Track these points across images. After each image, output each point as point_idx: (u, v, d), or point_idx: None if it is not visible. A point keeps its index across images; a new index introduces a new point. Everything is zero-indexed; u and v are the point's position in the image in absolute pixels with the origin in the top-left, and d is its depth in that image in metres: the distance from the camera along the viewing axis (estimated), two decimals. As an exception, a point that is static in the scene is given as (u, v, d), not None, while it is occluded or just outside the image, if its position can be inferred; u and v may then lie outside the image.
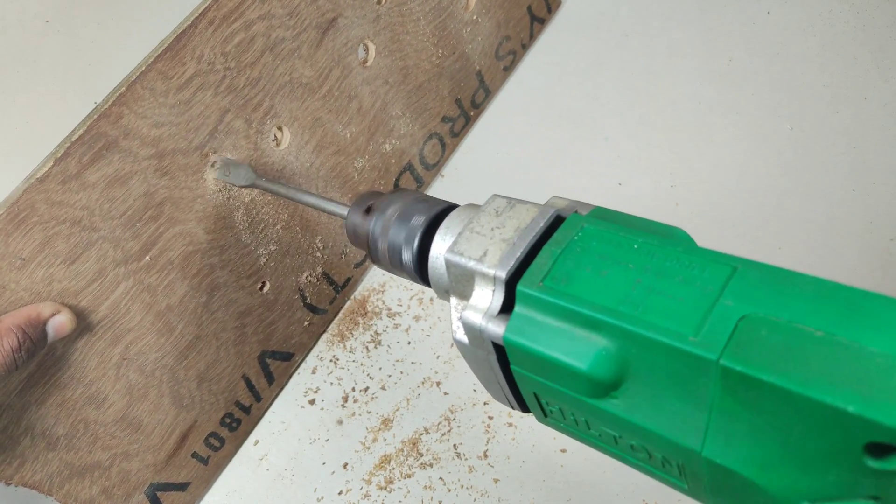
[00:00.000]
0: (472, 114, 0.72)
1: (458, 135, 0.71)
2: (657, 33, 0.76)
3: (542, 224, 0.30)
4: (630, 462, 0.28)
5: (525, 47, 0.76)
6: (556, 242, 0.29)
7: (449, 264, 0.31)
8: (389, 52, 0.60)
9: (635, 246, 0.27)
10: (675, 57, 0.74)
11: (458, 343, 0.31)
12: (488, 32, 0.69)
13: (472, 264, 0.30)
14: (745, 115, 0.69)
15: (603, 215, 0.30)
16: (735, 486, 0.24)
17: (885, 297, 0.22)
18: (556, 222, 0.30)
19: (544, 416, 0.31)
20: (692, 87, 0.72)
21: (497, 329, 0.29)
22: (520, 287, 0.28)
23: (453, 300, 0.32)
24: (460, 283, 0.31)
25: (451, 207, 0.35)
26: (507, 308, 0.29)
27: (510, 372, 0.30)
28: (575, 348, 0.26)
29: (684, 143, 0.68)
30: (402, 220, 0.36)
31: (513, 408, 0.33)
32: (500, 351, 0.30)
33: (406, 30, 0.60)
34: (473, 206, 0.34)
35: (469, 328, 0.30)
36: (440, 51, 0.65)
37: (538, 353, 0.27)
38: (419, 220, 0.35)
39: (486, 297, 0.29)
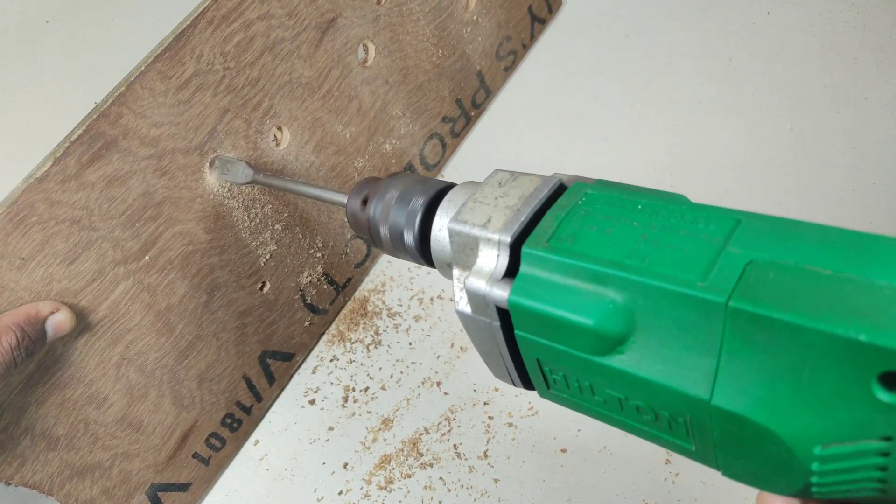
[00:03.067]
0: (472, 114, 0.72)
1: (459, 135, 0.71)
2: (657, 33, 0.76)
3: (545, 191, 0.30)
4: (635, 429, 0.28)
5: (526, 47, 0.76)
6: (560, 207, 0.29)
7: (452, 233, 0.31)
8: (389, 53, 0.60)
9: (639, 206, 0.27)
10: (675, 57, 0.74)
11: (461, 314, 0.31)
12: (489, 33, 0.69)
13: (475, 231, 0.30)
14: (745, 115, 0.69)
15: (606, 184, 0.30)
16: (746, 436, 0.23)
17: (891, 238, 0.22)
18: (560, 191, 0.30)
19: (547, 387, 0.31)
20: (692, 87, 0.72)
21: (502, 293, 0.29)
22: (525, 248, 0.28)
23: (456, 271, 0.32)
24: (464, 253, 0.31)
25: (449, 186, 0.35)
26: (511, 273, 0.29)
27: (513, 342, 0.30)
28: (581, 304, 0.26)
29: (684, 143, 0.68)
30: (403, 202, 0.36)
31: (514, 384, 0.33)
32: (504, 317, 0.30)
33: (406, 30, 0.60)
34: (474, 182, 0.34)
35: (473, 295, 0.30)
36: (440, 51, 0.65)
37: (544, 312, 0.27)
38: (419, 200, 0.35)
39: (491, 263, 0.30)
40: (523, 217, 0.29)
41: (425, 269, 0.58)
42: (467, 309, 0.31)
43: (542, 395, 0.32)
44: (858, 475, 0.22)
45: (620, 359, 0.26)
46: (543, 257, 0.27)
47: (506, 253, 0.29)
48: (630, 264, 0.25)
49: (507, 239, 0.29)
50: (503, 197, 0.31)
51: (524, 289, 0.28)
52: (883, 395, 0.20)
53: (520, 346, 0.30)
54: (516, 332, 0.29)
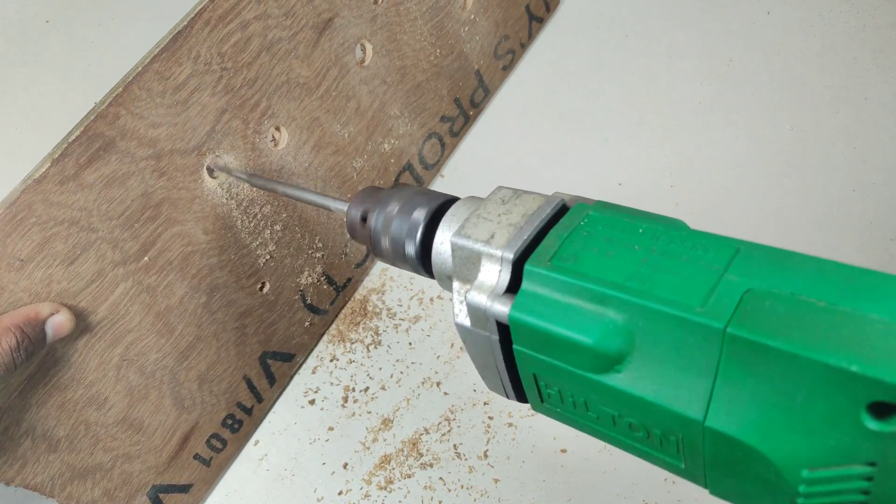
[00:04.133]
0: (471, 113, 0.72)
1: (458, 134, 0.71)
2: (657, 33, 0.76)
3: (548, 210, 0.31)
4: (626, 445, 0.29)
5: (524, 46, 0.76)
6: (562, 227, 0.30)
7: (455, 247, 0.32)
8: (387, 52, 0.60)
9: (640, 230, 0.28)
10: (675, 57, 0.74)
11: (460, 327, 0.32)
12: (486, 32, 0.69)
13: (479, 246, 0.31)
14: (745, 115, 0.69)
15: (607, 206, 0.31)
16: (736, 457, 0.24)
17: (884, 274, 0.23)
18: (562, 211, 0.31)
19: (541, 401, 0.31)
20: (692, 87, 0.71)
21: (503, 308, 0.29)
22: (528, 265, 0.29)
23: (456, 284, 0.32)
24: (465, 267, 0.31)
25: (452, 200, 0.36)
26: (511, 289, 0.30)
27: (510, 356, 0.31)
28: (581, 323, 0.27)
29: (684, 143, 0.68)
30: (405, 214, 0.36)
31: (507, 396, 0.33)
32: (503, 332, 0.30)
33: (403, 29, 0.60)
34: (477, 198, 0.34)
35: (473, 309, 0.30)
36: (438, 50, 0.64)
37: (544, 329, 0.28)
38: (422, 213, 0.36)
39: (493, 278, 0.30)
40: (526, 235, 0.30)
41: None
42: (466, 322, 0.31)
43: (534, 408, 0.32)
44: (843, 498, 0.22)
45: (617, 377, 0.27)
46: (546, 275, 0.28)
47: (508, 269, 0.30)
48: (631, 287, 0.26)
49: (511, 255, 0.29)
50: (506, 214, 0.31)
51: (525, 305, 0.28)
52: (871, 423, 0.21)
53: (517, 360, 0.30)
54: (515, 346, 0.30)
